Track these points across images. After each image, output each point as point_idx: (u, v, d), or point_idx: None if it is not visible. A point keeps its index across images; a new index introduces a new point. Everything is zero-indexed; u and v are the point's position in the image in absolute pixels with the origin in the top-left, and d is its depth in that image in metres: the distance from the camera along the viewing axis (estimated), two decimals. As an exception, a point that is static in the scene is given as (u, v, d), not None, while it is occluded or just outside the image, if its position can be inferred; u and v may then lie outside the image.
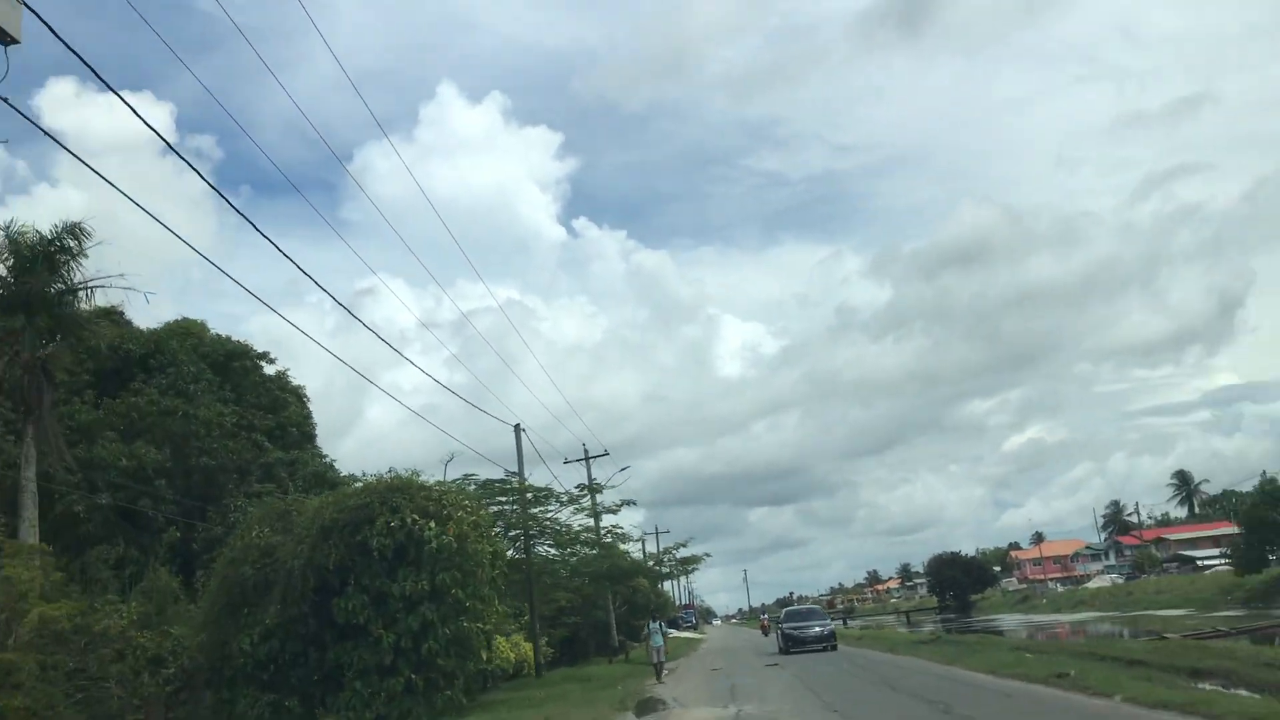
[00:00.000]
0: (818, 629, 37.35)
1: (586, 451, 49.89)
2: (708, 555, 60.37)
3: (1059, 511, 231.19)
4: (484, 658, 21.18)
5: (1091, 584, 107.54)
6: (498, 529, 29.69)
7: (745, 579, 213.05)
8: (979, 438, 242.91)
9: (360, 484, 22.14)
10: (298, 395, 40.64)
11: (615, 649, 49.63)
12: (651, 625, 28.79)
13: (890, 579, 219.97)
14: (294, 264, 16.79)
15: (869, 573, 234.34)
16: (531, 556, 32.05)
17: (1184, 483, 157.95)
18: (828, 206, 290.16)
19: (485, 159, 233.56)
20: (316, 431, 40.38)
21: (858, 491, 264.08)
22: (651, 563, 58.87)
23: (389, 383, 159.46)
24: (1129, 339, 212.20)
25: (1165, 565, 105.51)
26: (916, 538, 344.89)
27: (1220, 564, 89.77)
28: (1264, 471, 74.78)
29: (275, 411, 37.59)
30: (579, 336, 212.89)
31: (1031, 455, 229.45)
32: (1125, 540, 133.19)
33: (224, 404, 34.40)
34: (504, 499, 30.17)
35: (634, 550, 50.55)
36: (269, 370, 38.54)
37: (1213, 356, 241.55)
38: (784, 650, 36.44)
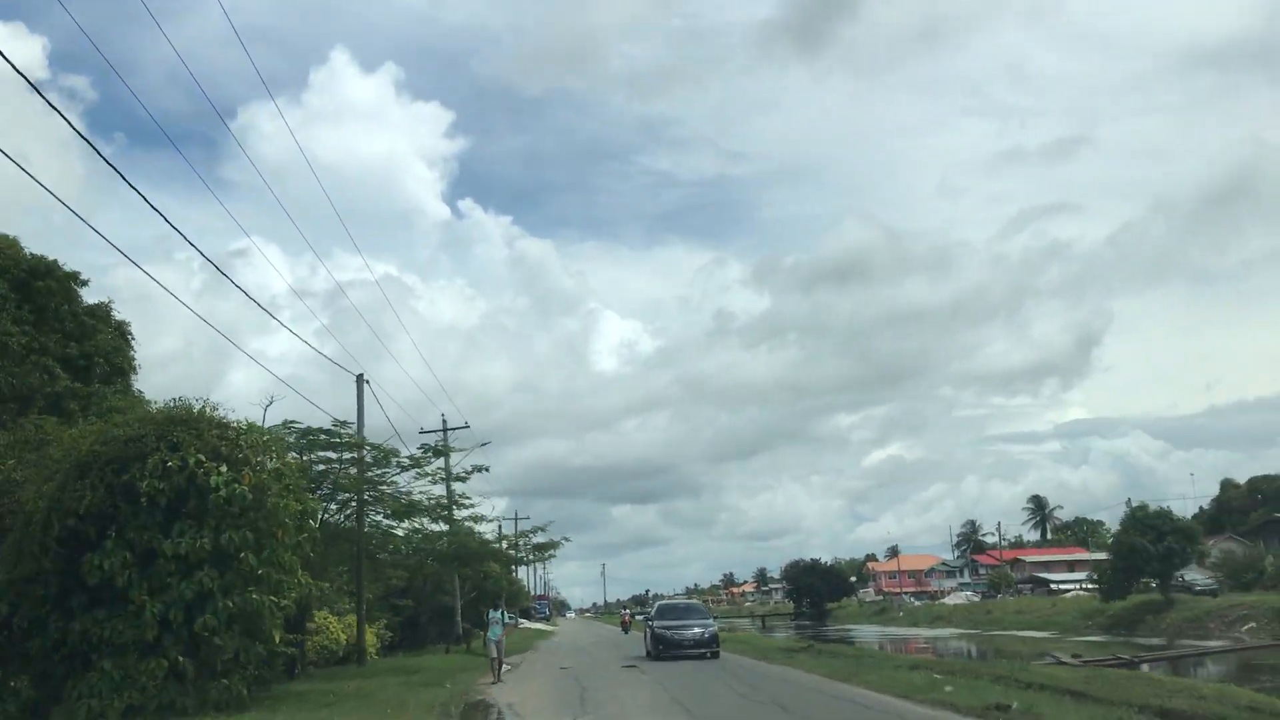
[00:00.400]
0: (697, 630, 29.96)
1: (445, 422, 45.64)
2: (566, 539, 56.06)
3: (912, 528, 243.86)
4: (276, 639, 17.00)
5: (948, 600, 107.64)
6: (324, 491, 25.34)
7: (603, 573, 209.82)
8: (841, 451, 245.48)
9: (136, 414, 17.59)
10: (120, 331, 35.32)
11: (459, 637, 45.59)
12: (492, 614, 24.54)
13: (746, 583, 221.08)
14: (161, 215, 14.90)
15: (725, 575, 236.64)
16: (364, 525, 27.72)
17: (1039, 507, 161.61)
18: (715, 211, 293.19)
19: (374, 130, 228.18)
20: (136, 368, 35.18)
21: (721, 495, 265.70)
22: (505, 545, 54.73)
23: (255, 349, 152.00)
24: (991, 367, 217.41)
25: (1020, 586, 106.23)
26: (774, 544, 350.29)
27: (1075, 588, 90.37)
28: (1129, 499, 74.99)
29: (81, 340, 32.31)
30: (455, 318, 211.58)
31: (890, 471, 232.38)
32: (981, 559, 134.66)
33: (17, 325, 29.15)
34: (333, 455, 25.70)
35: (487, 531, 46.21)
36: (90, 299, 33.19)
37: (1067, 391, 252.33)
38: (654, 655, 29.67)
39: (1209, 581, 61.09)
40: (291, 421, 24.48)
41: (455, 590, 46.68)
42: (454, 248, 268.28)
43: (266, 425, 23.42)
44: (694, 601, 46.98)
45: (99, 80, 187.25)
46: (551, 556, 61.90)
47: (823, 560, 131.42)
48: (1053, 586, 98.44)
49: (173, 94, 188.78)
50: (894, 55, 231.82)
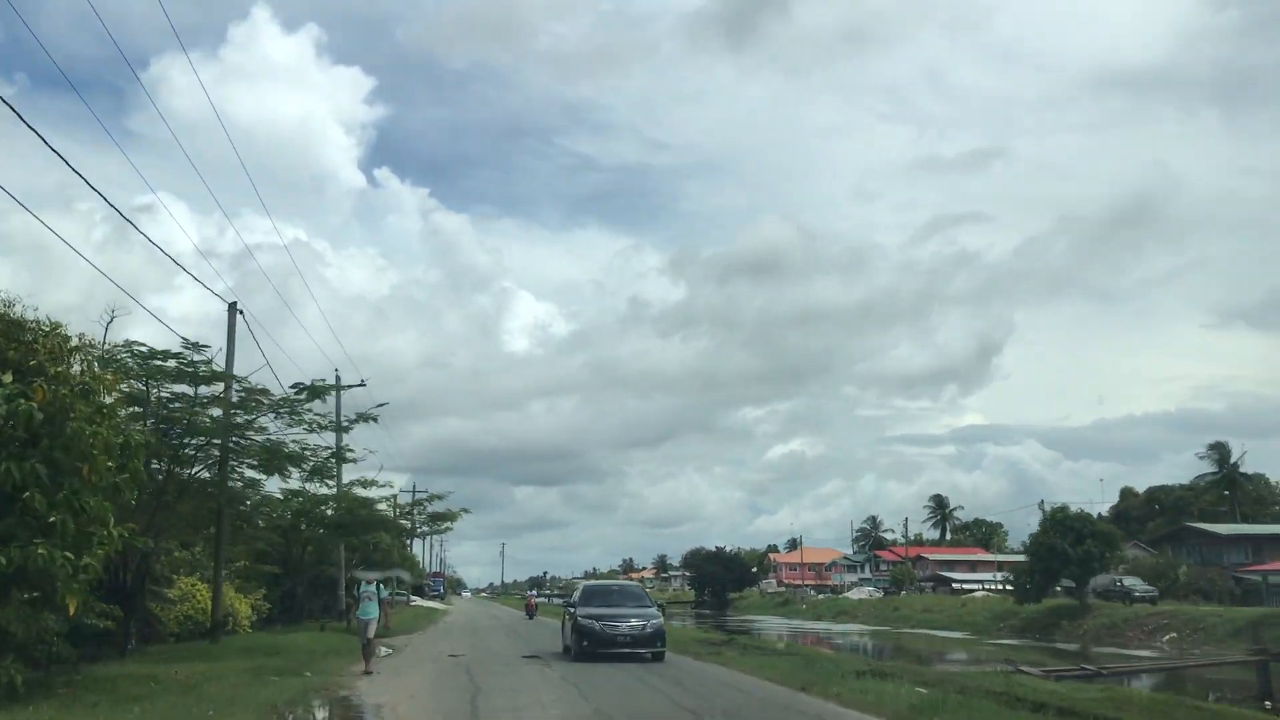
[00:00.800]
0: (636, 622, 22.55)
1: (339, 379, 41.04)
2: (465, 511, 51.37)
3: (809, 522, 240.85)
4: (73, 609, 12.83)
5: (851, 594, 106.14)
6: (176, 433, 20.91)
7: (503, 552, 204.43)
8: (745, 443, 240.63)
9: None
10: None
11: (341, 613, 41.38)
12: (365, 588, 20.00)
13: (645, 568, 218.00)
14: (63, 159, 13.63)
15: (624, 560, 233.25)
16: (227, 477, 23.39)
17: (940, 506, 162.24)
18: (634, 199, 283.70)
19: (291, 92, 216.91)
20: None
21: (624, 481, 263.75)
22: (398, 514, 50.30)
23: (156, 307, 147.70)
24: (895, 369, 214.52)
25: (922, 584, 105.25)
26: (673, 531, 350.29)
27: (979, 588, 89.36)
28: (1041, 501, 73.69)
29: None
30: (365, 289, 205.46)
31: (791, 466, 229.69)
32: (884, 555, 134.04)
33: None
34: (187, 389, 21.17)
35: (379, 497, 41.76)
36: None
37: (966, 396, 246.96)
38: (576, 652, 22.82)
39: (1149, 588, 59.50)
40: (135, 342, 19.96)
41: (340, 561, 42.45)
42: (368, 217, 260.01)
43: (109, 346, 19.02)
44: (631, 583, 38.40)
45: (0, 17, 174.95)
46: (448, 529, 57.43)
47: (726, 549, 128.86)
48: (954, 586, 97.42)
49: (81, 38, 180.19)
50: (820, 55, 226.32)
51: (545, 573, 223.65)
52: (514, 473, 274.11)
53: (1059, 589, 59.81)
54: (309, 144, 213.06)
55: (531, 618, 51.15)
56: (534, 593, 76.22)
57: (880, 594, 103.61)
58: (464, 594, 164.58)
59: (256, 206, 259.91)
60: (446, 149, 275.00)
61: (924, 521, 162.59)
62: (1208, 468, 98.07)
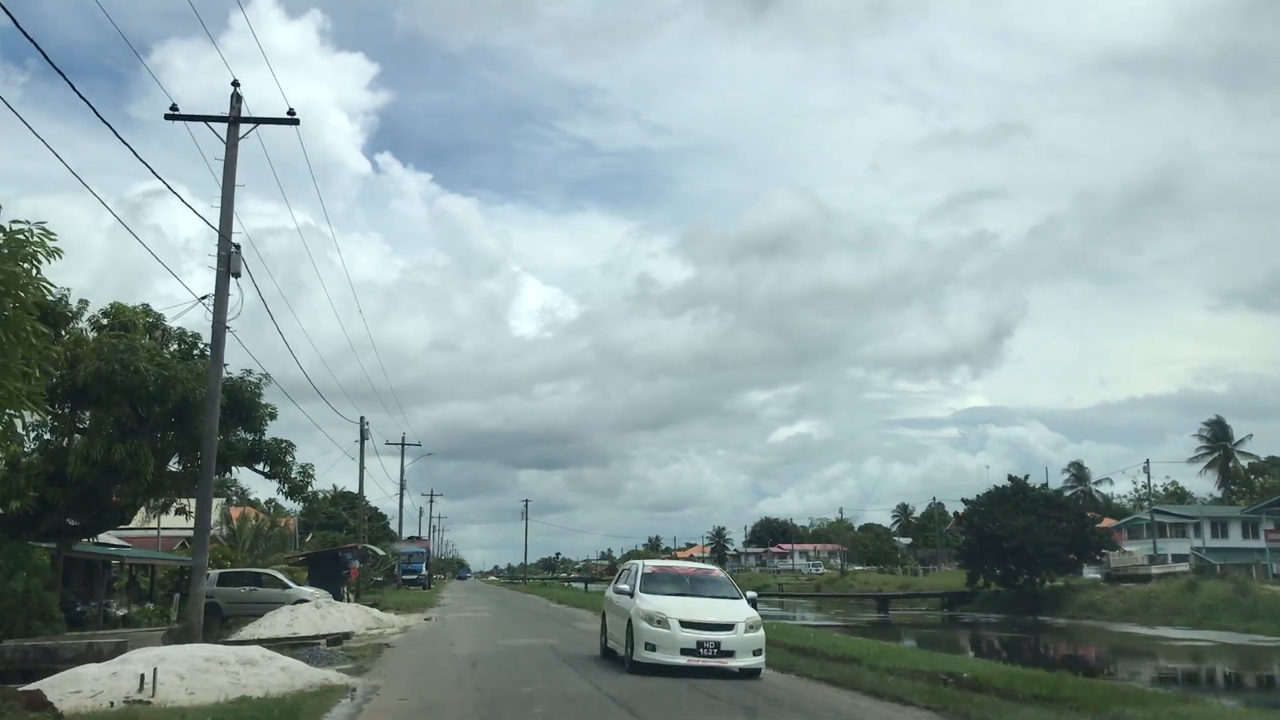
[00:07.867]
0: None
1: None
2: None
3: (811, 505, 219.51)
4: None
5: None
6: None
7: (526, 513, 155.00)
8: (750, 426, 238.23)
9: None
10: None
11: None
12: None
13: (691, 546, 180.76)
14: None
15: (650, 539, 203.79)
16: None
17: (1219, 436, 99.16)
18: (633, 183, 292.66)
19: (294, 77, 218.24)
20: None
21: (629, 464, 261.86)
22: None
23: (165, 293, 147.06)
24: (904, 352, 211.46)
25: None
26: (676, 515, 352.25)
27: None
28: None
29: None
30: (371, 274, 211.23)
31: (796, 449, 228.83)
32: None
33: None
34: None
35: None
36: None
37: (976, 379, 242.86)
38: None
39: None
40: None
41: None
42: (371, 202, 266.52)
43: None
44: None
45: (10, 3, 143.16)
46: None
47: (1032, 482, 61.17)
48: None
49: (84, 23, 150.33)
50: (838, 32, 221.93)
51: (558, 554, 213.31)
52: (519, 456, 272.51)
53: None
54: (313, 130, 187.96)
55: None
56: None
57: None
58: (467, 577, 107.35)
59: (259, 190, 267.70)
60: (446, 134, 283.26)
61: (1192, 460, 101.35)
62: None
